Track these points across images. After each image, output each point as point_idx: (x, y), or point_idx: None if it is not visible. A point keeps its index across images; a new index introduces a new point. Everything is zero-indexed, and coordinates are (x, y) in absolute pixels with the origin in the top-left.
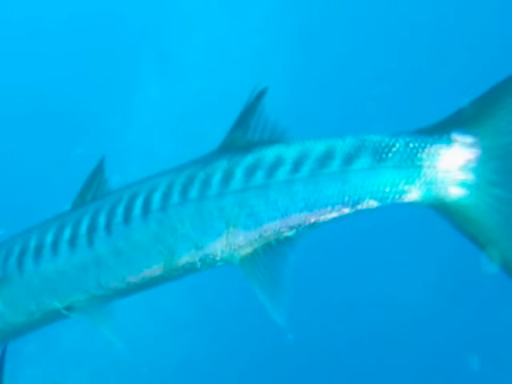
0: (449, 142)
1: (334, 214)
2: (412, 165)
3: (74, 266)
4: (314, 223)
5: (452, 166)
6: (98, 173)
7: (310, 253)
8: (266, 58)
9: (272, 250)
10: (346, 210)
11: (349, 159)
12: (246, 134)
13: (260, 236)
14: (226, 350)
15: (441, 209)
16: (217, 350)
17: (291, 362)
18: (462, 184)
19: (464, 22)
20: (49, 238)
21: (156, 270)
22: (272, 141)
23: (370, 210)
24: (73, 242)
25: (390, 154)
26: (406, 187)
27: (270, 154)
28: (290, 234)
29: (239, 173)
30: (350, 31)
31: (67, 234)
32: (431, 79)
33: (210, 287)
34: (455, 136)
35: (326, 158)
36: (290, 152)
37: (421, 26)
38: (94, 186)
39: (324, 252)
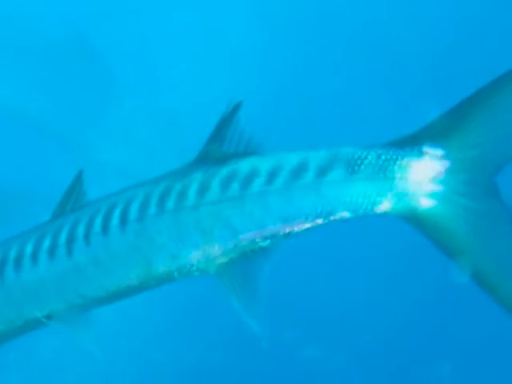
0: (420, 154)
1: (308, 225)
2: (384, 177)
3: (53, 275)
4: (289, 233)
5: (423, 177)
6: (76, 184)
7: (285, 262)
8: (243, 73)
9: (247, 260)
10: (320, 221)
11: (322, 171)
12: (221, 146)
13: (235, 246)
14: (202, 358)
15: (412, 219)
16: (192, 359)
17: (266, 370)
18: (433, 195)
19: (435, 34)
20: (28, 248)
21: (134, 279)
22: (247, 153)
23: (343, 221)
24: (52, 251)
25: (362, 166)
26: (378, 198)
27: (245, 165)
28: (264, 244)
29: (215, 184)
30: (324, 45)
31: (46, 244)
32: (404, 92)
33: (185, 296)
34: (426, 149)
35: (299, 170)
36: (264, 164)
37: (393, 38)
38: (72, 197)
39: (299, 261)
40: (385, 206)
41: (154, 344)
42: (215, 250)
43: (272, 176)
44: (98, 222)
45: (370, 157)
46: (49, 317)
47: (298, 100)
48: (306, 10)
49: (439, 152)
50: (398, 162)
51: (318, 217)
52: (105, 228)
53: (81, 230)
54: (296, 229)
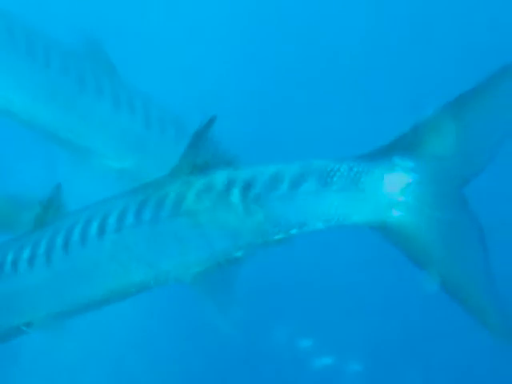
0: (390, 166)
1: (282, 235)
2: (356, 188)
3: (32, 284)
4: (263, 244)
5: (393, 189)
6: (56, 194)
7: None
8: (222, 84)
9: (222, 269)
10: (294, 231)
11: (295, 183)
12: (197, 158)
13: (211, 256)
14: (179, 367)
15: (383, 230)
16: (169, 368)
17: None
18: (403, 206)
19: (405, 46)
20: (9, 258)
21: (111, 288)
22: (223, 165)
23: (317, 231)
24: (32, 261)
25: (334, 179)
26: (350, 210)
27: (220, 177)
28: (239, 254)
29: (191, 195)
30: (301, 58)
31: (26, 253)
32: (377, 106)
33: (160, 306)
34: (396, 161)
35: (274, 182)
36: (239, 176)
37: (365, 52)
38: (52, 208)
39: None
40: (356, 217)
41: (129, 351)
42: (191, 259)
43: (246, 188)
44: (77, 232)
45: (342, 169)
46: (29, 324)
47: (274, 114)
48: (286, 22)
49: (409, 164)
50: (369, 174)
51: (291, 227)
52: (83, 238)
53: (60, 240)
54: (270, 239)
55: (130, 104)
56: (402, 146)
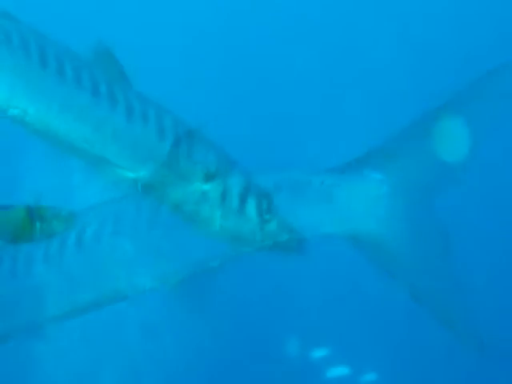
0: (361, 179)
1: (257, 245)
2: (327, 201)
3: (15, 294)
4: (238, 253)
5: (363, 201)
6: (37, 203)
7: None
8: (210, 92)
9: (199, 277)
10: (268, 241)
11: None
12: (183, 166)
13: (188, 265)
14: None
15: (354, 241)
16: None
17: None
18: (373, 218)
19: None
20: None
21: (92, 297)
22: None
23: (292, 240)
24: (14, 272)
25: (307, 190)
26: (322, 221)
27: (194, 187)
28: (215, 263)
29: (169, 205)
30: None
31: (8, 264)
32: (351, 120)
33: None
34: (367, 174)
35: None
36: (216, 187)
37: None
38: (35, 216)
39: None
40: (329, 227)
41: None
42: (169, 268)
43: (221, 198)
44: (57, 242)
45: (313, 182)
46: (13, 331)
47: (254, 124)
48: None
49: (379, 177)
50: (340, 187)
51: (265, 237)
52: (62, 248)
53: (40, 251)
54: (246, 249)
55: (144, 113)
56: (373, 159)
